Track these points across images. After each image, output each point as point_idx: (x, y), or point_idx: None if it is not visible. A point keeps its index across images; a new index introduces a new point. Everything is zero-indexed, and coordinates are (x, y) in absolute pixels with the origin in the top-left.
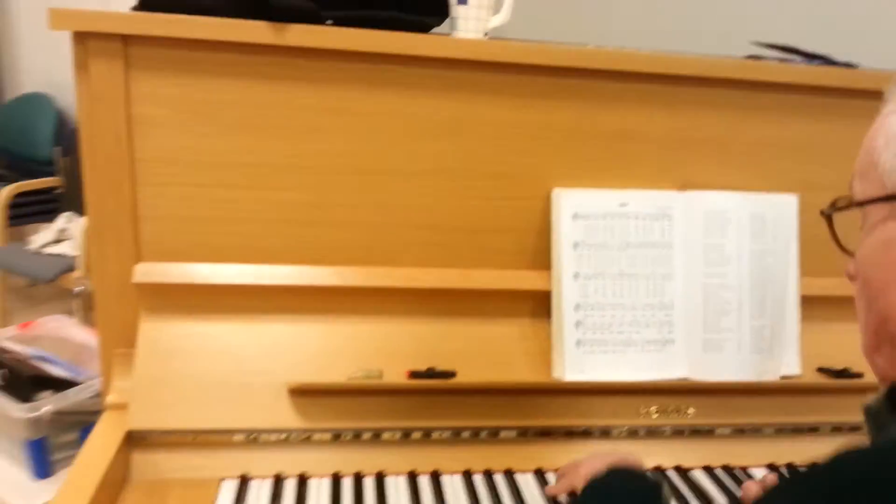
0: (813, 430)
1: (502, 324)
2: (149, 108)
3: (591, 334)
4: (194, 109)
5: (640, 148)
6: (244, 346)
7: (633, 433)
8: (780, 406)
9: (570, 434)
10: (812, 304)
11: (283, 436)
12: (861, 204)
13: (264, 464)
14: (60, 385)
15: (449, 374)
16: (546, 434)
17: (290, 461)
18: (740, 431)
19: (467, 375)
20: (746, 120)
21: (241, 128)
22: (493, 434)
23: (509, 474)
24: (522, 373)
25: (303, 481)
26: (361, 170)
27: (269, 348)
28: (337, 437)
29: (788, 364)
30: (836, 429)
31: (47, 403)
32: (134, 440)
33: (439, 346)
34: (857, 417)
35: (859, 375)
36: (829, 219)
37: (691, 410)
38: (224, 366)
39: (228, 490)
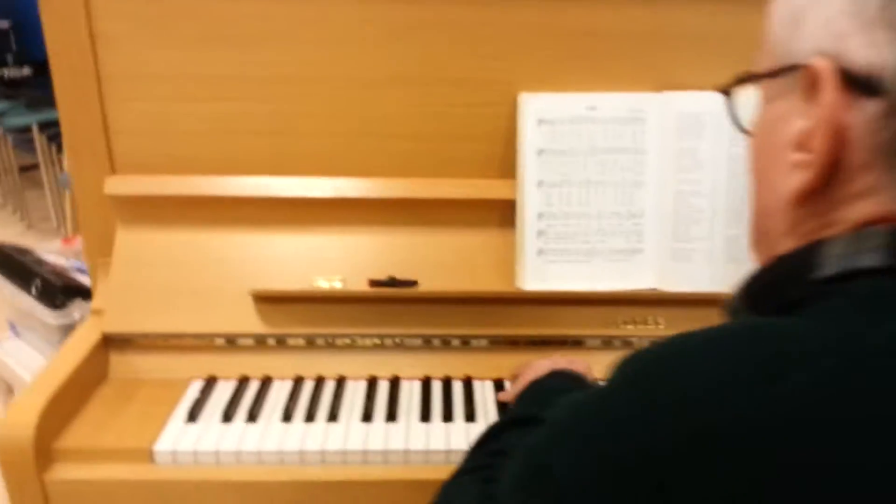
0: None
1: (468, 234)
2: (110, 23)
3: (553, 244)
4: (154, 23)
5: (613, 47)
6: (212, 255)
7: (607, 343)
8: None
9: (537, 343)
10: None
11: (250, 341)
12: (754, 79)
13: (232, 367)
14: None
15: (410, 283)
16: (513, 343)
17: (256, 364)
18: None
19: (430, 285)
20: (729, 12)
21: (201, 40)
22: (462, 342)
23: (468, 382)
24: (486, 282)
25: (266, 382)
26: (322, 78)
27: (236, 257)
28: (301, 342)
29: None
30: None
31: (78, 310)
32: (113, 343)
33: (404, 257)
34: None
35: None
36: (727, 95)
37: (661, 321)
38: (193, 273)
39: (195, 388)
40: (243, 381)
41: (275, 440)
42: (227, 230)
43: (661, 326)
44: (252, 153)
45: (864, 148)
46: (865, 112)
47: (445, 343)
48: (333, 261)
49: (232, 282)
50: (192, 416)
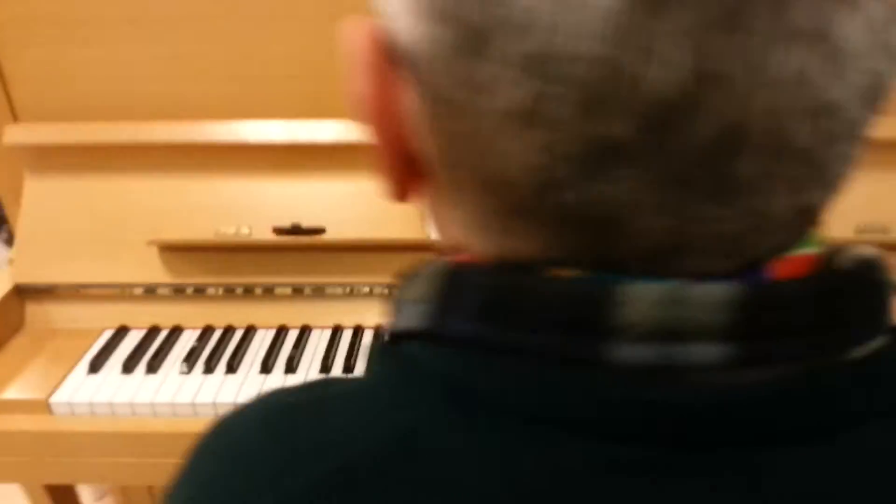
0: None
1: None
2: None
3: None
4: None
5: None
6: (118, 204)
7: None
8: None
9: None
10: None
11: (165, 290)
12: None
13: (145, 316)
14: None
15: (317, 231)
16: None
17: (169, 313)
18: None
19: (337, 232)
20: None
21: None
22: (370, 291)
23: (379, 330)
24: (395, 229)
25: (175, 331)
26: (220, 17)
27: (142, 205)
28: (217, 291)
29: None
30: None
31: None
32: (29, 292)
33: (309, 203)
34: None
35: None
36: None
37: None
38: (100, 223)
39: (105, 338)
40: (152, 331)
41: (170, 392)
42: (132, 178)
43: None
44: (152, 98)
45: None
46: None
47: (349, 292)
48: (240, 208)
49: (138, 231)
50: (94, 367)
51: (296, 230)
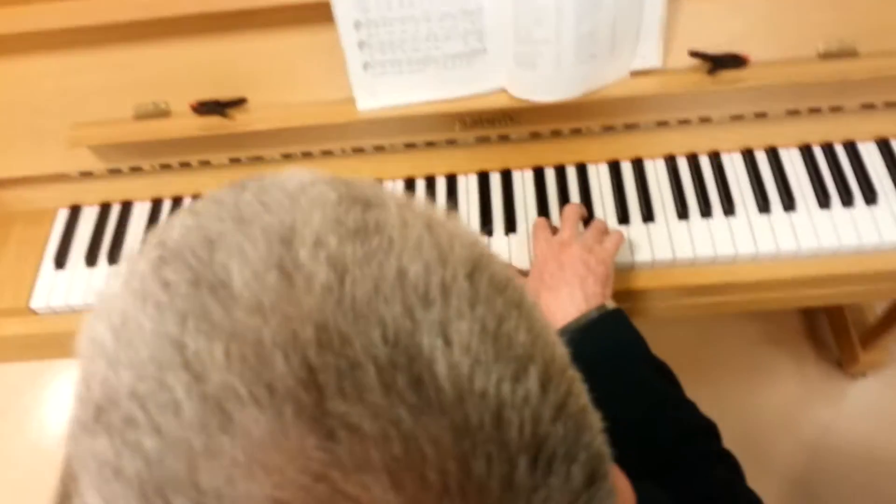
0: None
1: (298, 34)
2: None
3: (379, 55)
4: None
5: None
6: (28, 91)
7: (451, 143)
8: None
9: (382, 149)
10: None
11: (104, 171)
12: None
13: (94, 192)
14: None
15: (238, 102)
16: (358, 151)
17: (117, 188)
18: (577, 131)
19: (259, 98)
20: None
21: None
22: (307, 153)
23: None
24: (321, 91)
25: (126, 207)
26: None
27: (55, 89)
28: (155, 166)
29: (645, 57)
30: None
31: None
32: None
33: (226, 68)
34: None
35: (739, 61)
36: None
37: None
38: (15, 113)
39: (61, 222)
40: (105, 209)
41: None
42: (39, 60)
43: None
44: None
45: None
46: None
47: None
48: (153, 82)
49: (56, 116)
50: (59, 262)
51: (216, 106)
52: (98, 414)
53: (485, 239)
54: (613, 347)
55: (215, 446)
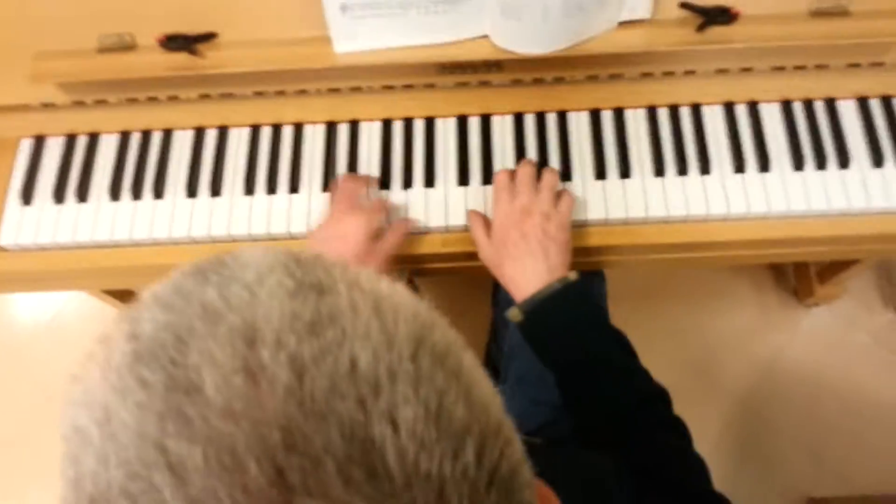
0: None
1: None
2: None
3: None
4: None
5: None
6: None
7: (429, 87)
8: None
9: (359, 90)
10: None
11: (62, 103)
12: None
13: (60, 121)
14: None
15: (208, 37)
16: (334, 91)
17: (84, 119)
18: (559, 80)
19: (230, 35)
20: None
21: None
22: (298, 92)
23: (298, 126)
24: (295, 27)
25: (93, 139)
26: None
27: (13, 16)
28: (112, 100)
29: (634, 8)
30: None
31: None
32: None
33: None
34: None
35: (729, 15)
36: None
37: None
38: None
39: (25, 153)
40: (70, 141)
41: (106, 227)
42: None
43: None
44: None
45: None
46: None
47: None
48: (118, 9)
49: (16, 45)
50: (26, 196)
51: (185, 40)
52: None
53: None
54: (574, 318)
55: None
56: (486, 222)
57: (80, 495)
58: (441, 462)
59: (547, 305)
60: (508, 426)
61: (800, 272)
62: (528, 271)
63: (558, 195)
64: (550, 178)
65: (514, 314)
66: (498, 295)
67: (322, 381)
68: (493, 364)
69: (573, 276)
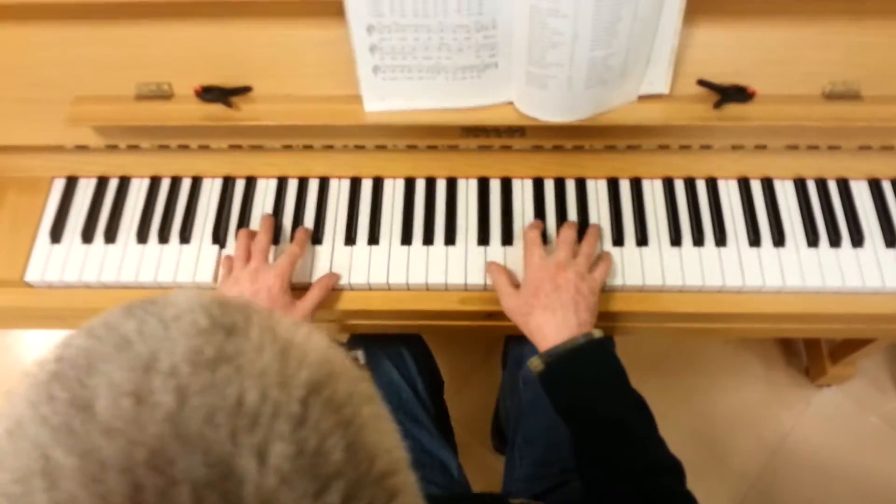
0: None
1: (307, 26)
2: None
3: (390, 59)
4: None
5: None
6: (29, 58)
7: (452, 148)
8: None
9: (383, 148)
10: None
11: (97, 146)
12: None
13: (91, 164)
14: None
15: (243, 90)
16: (359, 148)
17: (115, 162)
18: (578, 148)
19: (264, 89)
20: None
21: None
22: (325, 146)
23: (324, 180)
24: (327, 85)
25: (124, 183)
26: None
27: (55, 59)
28: (153, 145)
29: (653, 83)
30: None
31: None
32: None
33: (232, 53)
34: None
35: (745, 94)
36: None
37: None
38: (11, 80)
39: (57, 193)
40: (102, 183)
41: (132, 269)
42: (44, 27)
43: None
44: None
45: None
46: None
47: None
48: (156, 61)
49: (54, 88)
50: (55, 235)
51: (220, 93)
52: None
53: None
54: (595, 375)
55: None
56: (510, 274)
57: None
58: (300, 499)
59: (570, 357)
60: (401, 480)
61: (812, 351)
62: (558, 322)
63: (595, 263)
64: (588, 248)
65: (535, 364)
66: (508, 358)
67: (200, 411)
68: (500, 428)
69: (599, 333)
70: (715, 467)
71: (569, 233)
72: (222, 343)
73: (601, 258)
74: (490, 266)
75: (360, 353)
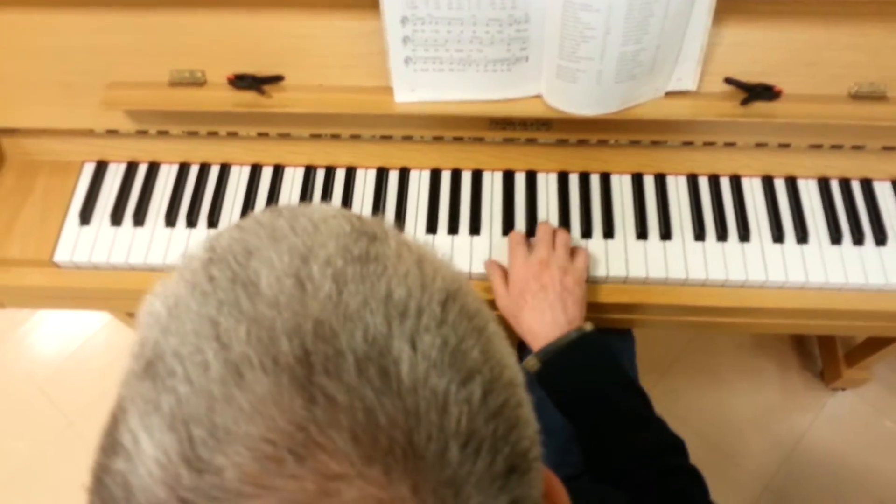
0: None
1: (340, 17)
2: None
3: (422, 51)
4: None
5: None
6: (65, 44)
7: (478, 141)
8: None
9: (409, 138)
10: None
11: (127, 131)
12: None
13: (121, 149)
14: None
15: (275, 79)
16: (386, 138)
17: (144, 148)
18: (603, 142)
19: (296, 79)
20: None
21: None
22: (352, 136)
23: (350, 170)
24: (357, 76)
25: (153, 169)
26: None
27: (90, 45)
28: (182, 132)
29: (681, 79)
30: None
31: None
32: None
33: (266, 43)
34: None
35: (772, 93)
36: None
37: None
38: (46, 64)
39: (87, 176)
40: (131, 168)
41: (160, 251)
42: (80, 13)
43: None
44: None
45: None
46: None
47: (333, 136)
48: (191, 48)
49: (88, 74)
50: (85, 217)
51: (252, 81)
52: (147, 366)
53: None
54: (591, 367)
55: (230, 396)
56: (504, 272)
57: (139, 361)
58: (448, 384)
59: (564, 353)
60: (522, 391)
61: (827, 354)
62: (546, 321)
63: (573, 252)
64: (563, 236)
65: (531, 363)
66: (522, 353)
67: (358, 297)
68: None
69: (589, 326)
70: (728, 469)
71: (545, 227)
72: (367, 246)
73: (578, 250)
74: (488, 264)
75: None
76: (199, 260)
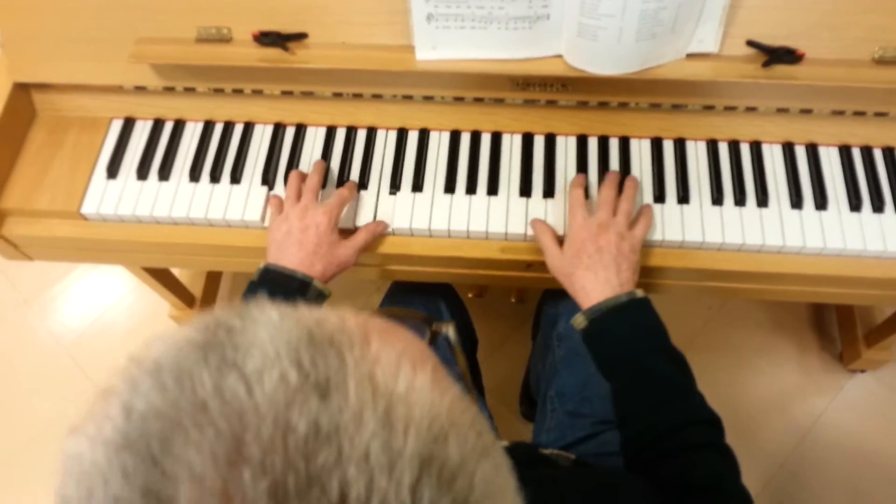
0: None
1: None
2: None
3: (444, 8)
4: None
5: None
6: (96, 1)
7: (498, 102)
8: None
9: (430, 99)
10: None
11: (154, 88)
12: None
13: (149, 106)
14: None
15: (299, 36)
16: (407, 98)
17: (171, 105)
18: (623, 105)
19: (320, 37)
20: None
21: None
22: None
23: (371, 130)
24: (380, 35)
25: (179, 126)
26: None
27: (119, 3)
28: (208, 89)
29: (703, 41)
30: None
31: None
32: (32, 84)
33: (290, 1)
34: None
35: (794, 56)
36: None
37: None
38: (77, 21)
39: (115, 132)
40: (158, 125)
41: (184, 205)
42: None
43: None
44: None
45: None
46: None
47: (355, 96)
48: (219, 5)
49: (119, 30)
50: (112, 171)
51: (276, 38)
52: None
53: (521, 208)
54: (637, 332)
55: None
56: (554, 232)
57: None
58: None
59: (613, 314)
60: None
61: (847, 334)
62: (600, 281)
63: (635, 219)
64: (627, 206)
65: (578, 321)
66: (542, 318)
67: None
68: (529, 394)
69: (640, 293)
70: (744, 447)
71: (608, 192)
72: (316, 414)
73: (641, 213)
74: (535, 223)
75: (451, 330)
76: (114, 429)
